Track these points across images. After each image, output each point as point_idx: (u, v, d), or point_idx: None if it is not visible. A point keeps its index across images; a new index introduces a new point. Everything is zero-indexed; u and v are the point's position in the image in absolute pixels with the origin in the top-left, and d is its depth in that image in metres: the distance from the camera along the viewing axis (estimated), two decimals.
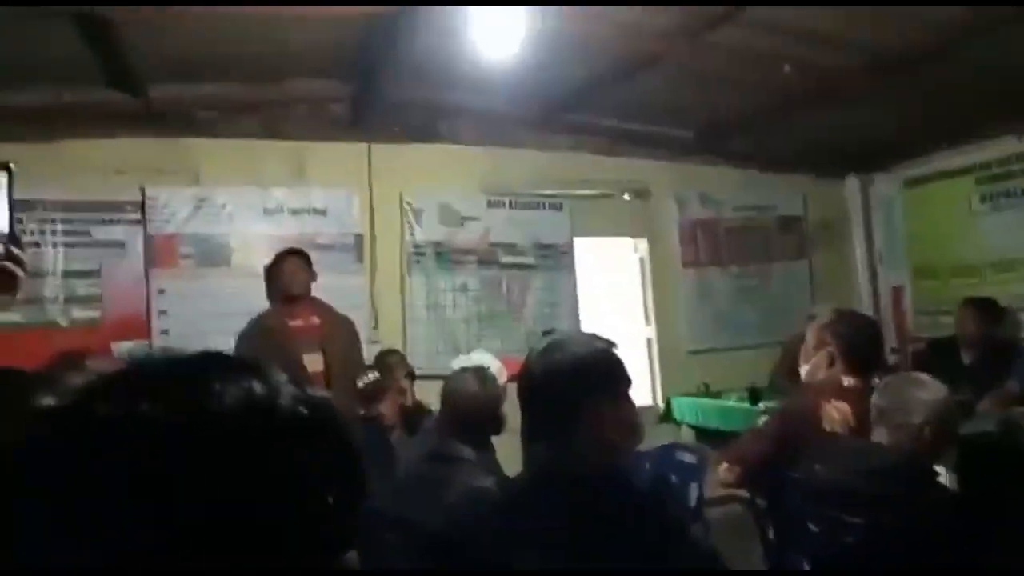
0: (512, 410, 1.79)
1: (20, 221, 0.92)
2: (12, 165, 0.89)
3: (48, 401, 1.38)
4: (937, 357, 4.34)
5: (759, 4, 3.34)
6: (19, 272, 0.89)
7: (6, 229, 0.88)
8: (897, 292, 5.63)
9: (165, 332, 4.06)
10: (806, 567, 2.16)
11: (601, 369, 1.50)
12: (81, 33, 3.28)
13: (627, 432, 1.55)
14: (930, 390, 2.05)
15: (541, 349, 1.51)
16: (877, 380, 2.32)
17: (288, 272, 3.84)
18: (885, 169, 5.64)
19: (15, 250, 0.89)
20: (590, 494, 1.42)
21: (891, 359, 5.40)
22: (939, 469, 2.08)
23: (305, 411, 0.50)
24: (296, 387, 0.52)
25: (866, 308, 5.64)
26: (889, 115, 4.68)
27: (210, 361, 0.52)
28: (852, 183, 5.84)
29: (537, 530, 1.35)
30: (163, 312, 4.07)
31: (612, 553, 1.30)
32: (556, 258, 4.97)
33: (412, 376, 3.92)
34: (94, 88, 3.93)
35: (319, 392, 0.55)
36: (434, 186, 4.71)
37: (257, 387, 0.49)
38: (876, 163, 5.65)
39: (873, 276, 5.79)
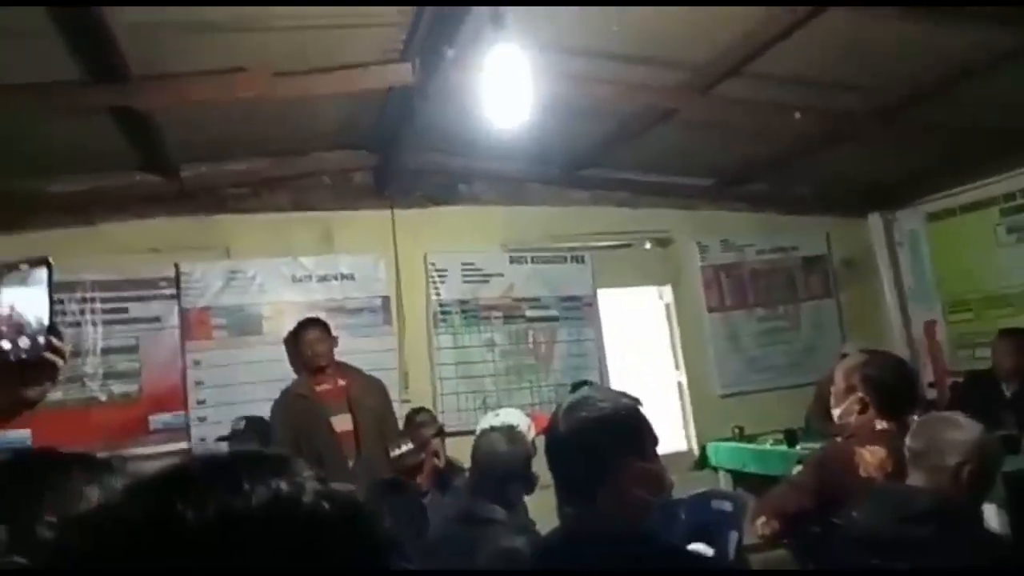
0: (544, 464, 1.81)
1: (61, 302, 0.98)
2: (51, 260, 0.94)
3: (88, 488, 1.43)
4: (977, 390, 4.25)
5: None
6: (59, 361, 0.95)
7: (47, 321, 0.93)
8: (929, 326, 5.55)
9: (201, 402, 4.14)
10: None
11: (627, 426, 1.49)
12: (116, 124, 3.46)
13: (656, 488, 1.54)
14: (964, 429, 2.01)
15: (566, 408, 1.51)
16: (915, 417, 2.29)
17: (310, 344, 3.95)
18: (907, 205, 5.62)
19: (55, 341, 0.94)
20: (621, 553, 1.42)
21: (929, 394, 5.30)
22: (987, 508, 2.03)
23: (327, 506, 0.53)
24: (319, 482, 0.55)
25: (899, 343, 5.57)
26: (907, 152, 4.71)
27: (239, 460, 0.56)
28: (875, 220, 5.82)
29: None
30: (199, 383, 4.17)
31: None
32: (581, 310, 5.01)
33: (443, 433, 3.93)
34: (128, 173, 4.13)
35: (342, 487, 0.57)
36: (457, 246, 4.80)
37: (283, 485, 0.52)
38: (897, 199, 5.64)
39: (903, 311, 5.71)
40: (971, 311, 5.23)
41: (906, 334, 5.66)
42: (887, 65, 3.56)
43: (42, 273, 0.94)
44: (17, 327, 0.92)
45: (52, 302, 0.93)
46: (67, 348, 0.96)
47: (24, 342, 0.92)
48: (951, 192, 5.24)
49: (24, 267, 0.94)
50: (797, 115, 3.94)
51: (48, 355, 0.93)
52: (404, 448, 3.29)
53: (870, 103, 3.97)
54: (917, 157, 4.85)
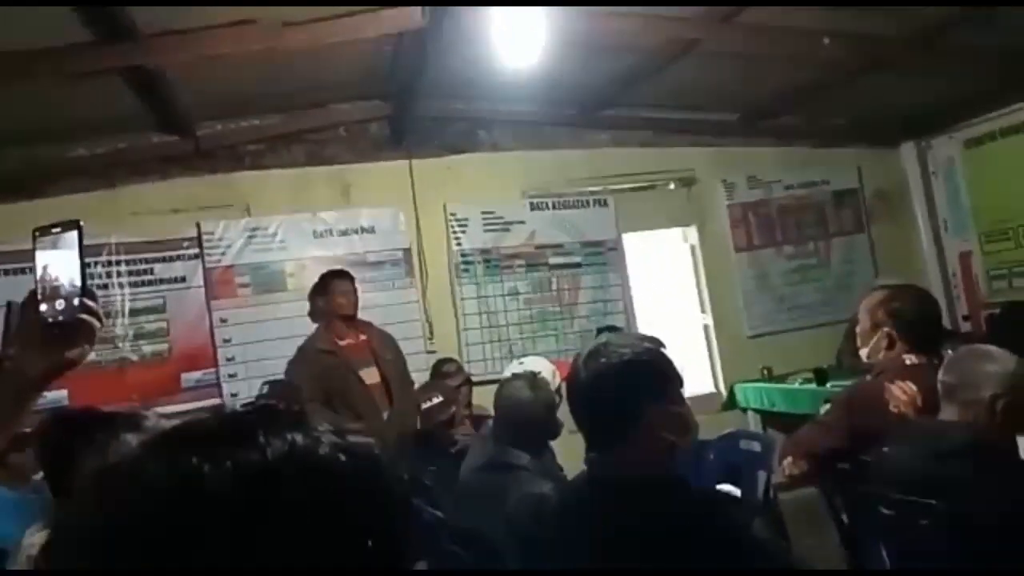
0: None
1: (88, 265, 0.98)
2: (82, 223, 0.94)
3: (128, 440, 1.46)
4: (1016, 321, 4.14)
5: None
6: (96, 323, 0.95)
7: (80, 284, 0.93)
8: (965, 258, 5.40)
9: (230, 359, 4.21)
10: (882, 551, 2.10)
11: (649, 370, 1.47)
12: (129, 85, 3.44)
13: (682, 430, 1.52)
14: (999, 361, 1.96)
15: (586, 356, 1.49)
16: (949, 351, 2.23)
17: (340, 294, 3.93)
18: (941, 132, 5.42)
19: (90, 303, 0.94)
20: (648, 496, 1.41)
21: (964, 327, 5.20)
22: (1023, 441, 1.98)
23: (344, 459, 0.53)
24: (337, 435, 0.54)
25: (933, 277, 5.44)
26: (942, 77, 4.50)
27: (255, 416, 0.55)
28: (908, 149, 5.63)
29: (594, 536, 1.36)
30: (227, 341, 4.23)
31: (671, 556, 1.29)
32: (605, 254, 4.95)
33: (470, 383, 3.97)
34: (146, 134, 4.13)
35: (360, 439, 0.56)
36: (476, 195, 4.75)
37: (299, 438, 0.52)
38: (932, 127, 5.43)
39: (938, 243, 5.57)
40: (1010, 239, 5.07)
41: (940, 266, 5.53)
42: None
43: (73, 236, 0.94)
44: (52, 290, 0.93)
45: (85, 265, 0.94)
46: (100, 311, 0.96)
47: (60, 304, 0.93)
48: (989, 116, 5.03)
49: (56, 231, 0.94)
50: (826, 41, 3.77)
51: (84, 317, 0.93)
52: (435, 400, 3.31)
53: (903, 27, 3.79)
54: (953, 82, 4.64)
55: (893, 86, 4.53)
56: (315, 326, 4.08)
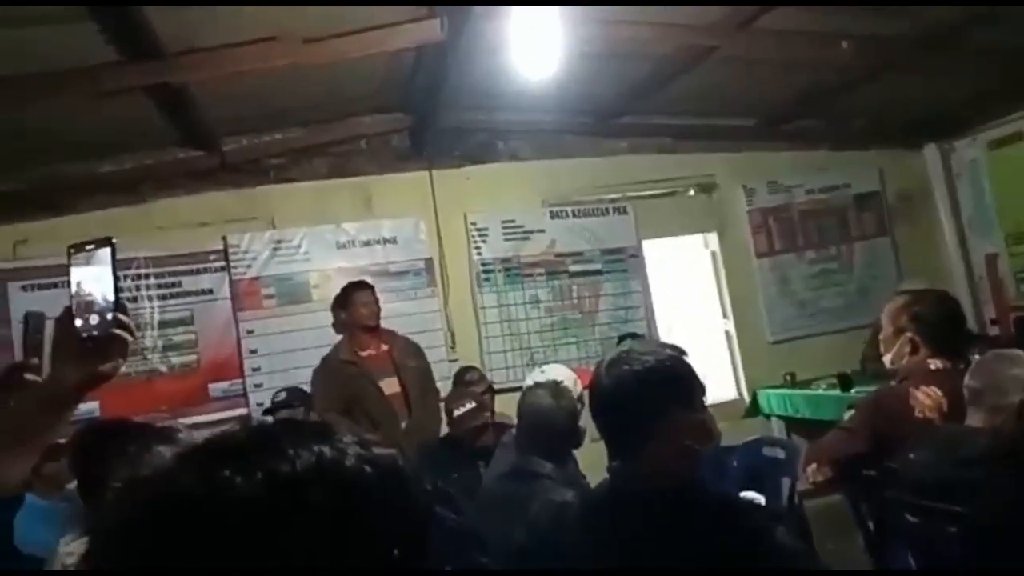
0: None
1: (118, 279, 1.01)
2: (114, 240, 0.98)
3: (160, 452, 1.49)
4: None
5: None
6: (128, 337, 0.99)
7: (113, 298, 0.97)
8: (991, 260, 5.32)
9: (256, 370, 4.27)
10: (909, 558, 2.08)
11: (670, 378, 1.47)
12: (156, 102, 3.51)
13: (704, 437, 1.52)
14: None
15: (607, 364, 1.50)
16: (976, 356, 2.21)
17: (362, 305, 3.98)
18: (965, 134, 5.36)
19: (122, 317, 0.98)
20: (671, 503, 1.41)
21: (991, 331, 5.12)
22: None
23: (369, 469, 0.55)
24: (361, 447, 0.56)
25: (959, 280, 5.37)
26: (964, 77, 4.45)
27: (283, 428, 0.57)
28: (931, 152, 5.57)
29: (616, 543, 1.37)
30: (253, 352, 4.29)
31: (694, 564, 1.30)
32: (625, 262, 4.96)
33: (492, 391, 3.98)
34: (172, 150, 4.22)
35: (383, 450, 0.59)
36: (496, 204, 4.78)
37: (326, 450, 0.54)
38: (955, 129, 5.37)
39: (963, 246, 5.50)
40: None
41: (966, 269, 5.45)
42: None
43: (106, 253, 0.98)
44: (86, 305, 0.97)
45: (117, 280, 0.97)
46: (132, 325, 0.99)
47: (94, 319, 0.96)
48: (1012, 117, 4.97)
49: (90, 248, 0.98)
50: (844, 45, 3.76)
51: (117, 331, 0.97)
52: (468, 406, 3.32)
53: (922, 28, 3.76)
54: (976, 83, 4.59)
55: (913, 88, 4.50)
56: (340, 336, 4.13)
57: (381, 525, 0.54)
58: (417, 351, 4.06)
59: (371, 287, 4.09)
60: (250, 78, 3.38)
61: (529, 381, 2.41)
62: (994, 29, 3.73)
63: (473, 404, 3.32)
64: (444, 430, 3.58)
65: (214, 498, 0.50)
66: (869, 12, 3.56)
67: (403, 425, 3.77)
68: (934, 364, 2.20)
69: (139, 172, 4.21)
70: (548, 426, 2.16)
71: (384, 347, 3.95)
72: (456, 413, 3.31)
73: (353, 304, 4.01)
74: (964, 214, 5.48)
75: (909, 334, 2.22)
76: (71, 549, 1.67)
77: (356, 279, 4.19)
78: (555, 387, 2.24)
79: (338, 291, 4.20)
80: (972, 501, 1.78)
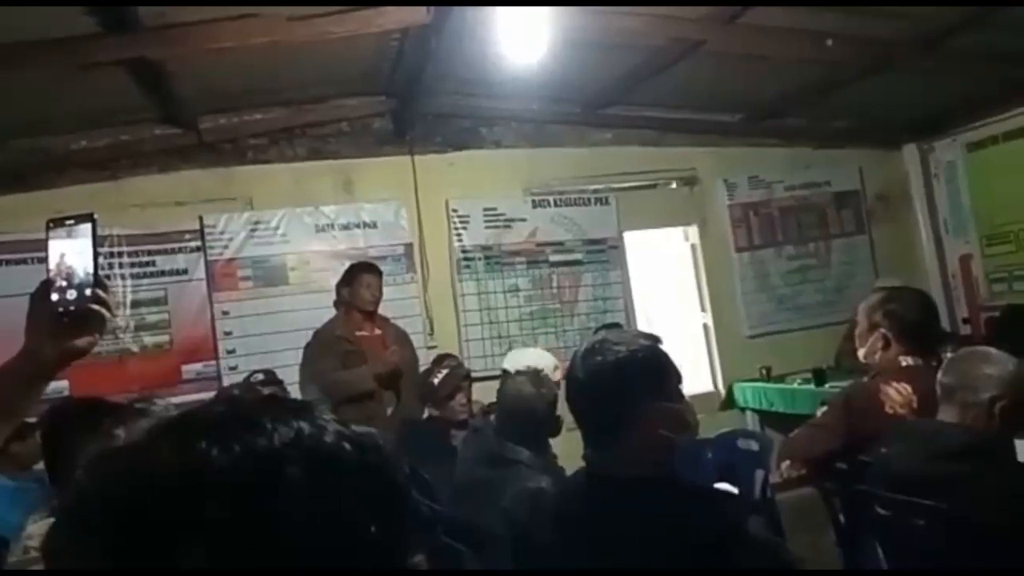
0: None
1: (98, 255, 0.99)
2: (95, 215, 0.96)
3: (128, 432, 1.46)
4: (1016, 323, 4.15)
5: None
6: (106, 313, 0.96)
7: (92, 274, 0.95)
8: (965, 261, 5.41)
9: (231, 352, 4.22)
10: (879, 551, 2.11)
11: (645, 367, 1.46)
12: (133, 77, 3.44)
13: (679, 427, 1.52)
14: (998, 363, 1.96)
15: (583, 353, 1.49)
16: (949, 353, 2.23)
17: (365, 287, 3.93)
18: (944, 135, 5.42)
19: (101, 293, 0.96)
20: (645, 493, 1.41)
21: (963, 330, 5.20)
22: (1020, 444, 1.99)
23: (349, 447, 0.54)
24: (341, 425, 0.55)
25: (933, 279, 5.45)
26: (946, 80, 4.50)
27: (262, 403, 0.56)
28: (910, 152, 5.63)
29: (590, 532, 1.37)
30: (228, 333, 4.24)
31: (667, 553, 1.30)
32: (606, 252, 4.96)
33: (469, 379, 3.97)
34: (148, 127, 4.13)
35: (363, 429, 0.57)
36: (478, 191, 4.76)
37: (305, 426, 0.53)
38: (934, 129, 5.43)
39: (938, 246, 5.57)
40: (1011, 243, 5.08)
41: (940, 269, 5.53)
42: None
43: (87, 228, 0.96)
44: (65, 279, 0.95)
45: (97, 256, 0.95)
46: (111, 301, 0.97)
47: (71, 294, 0.95)
48: (991, 120, 5.03)
49: (70, 222, 0.96)
50: (829, 43, 3.77)
51: (95, 306, 0.95)
52: (443, 372, 3.35)
53: (907, 30, 3.79)
54: (956, 85, 4.64)
55: (896, 88, 4.54)
56: (317, 320, 4.08)
57: (359, 502, 0.53)
58: (406, 339, 4.04)
59: (379, 272, 4.02)
60: (230, 55, 3.32)
61: (508, 360, 2.41)
62: (977, 33, 3.77)
63: (447, 371, 3.35)
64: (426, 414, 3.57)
65: (188, 470, 0.49)
66: (856, 12, 3.57)
67: (388, 411, 3.76)
68: (906, 361, 2.22)
69: (114, 148, 4.13)
70: (527, 413, 2.16)
71: (378, 331, 3.93)
72: (435, 381, 3.32)
73: (358, 284, 3.94)
74: (940, 214, 5.55)
75: (883, 330, 2.24)
76: (32, 532, 1.63)
77: (362, 261, 4.13)
78: (536, 375, 2.24)
79: (315, 274, 4.15)
80: (943, 495, 1.80)
